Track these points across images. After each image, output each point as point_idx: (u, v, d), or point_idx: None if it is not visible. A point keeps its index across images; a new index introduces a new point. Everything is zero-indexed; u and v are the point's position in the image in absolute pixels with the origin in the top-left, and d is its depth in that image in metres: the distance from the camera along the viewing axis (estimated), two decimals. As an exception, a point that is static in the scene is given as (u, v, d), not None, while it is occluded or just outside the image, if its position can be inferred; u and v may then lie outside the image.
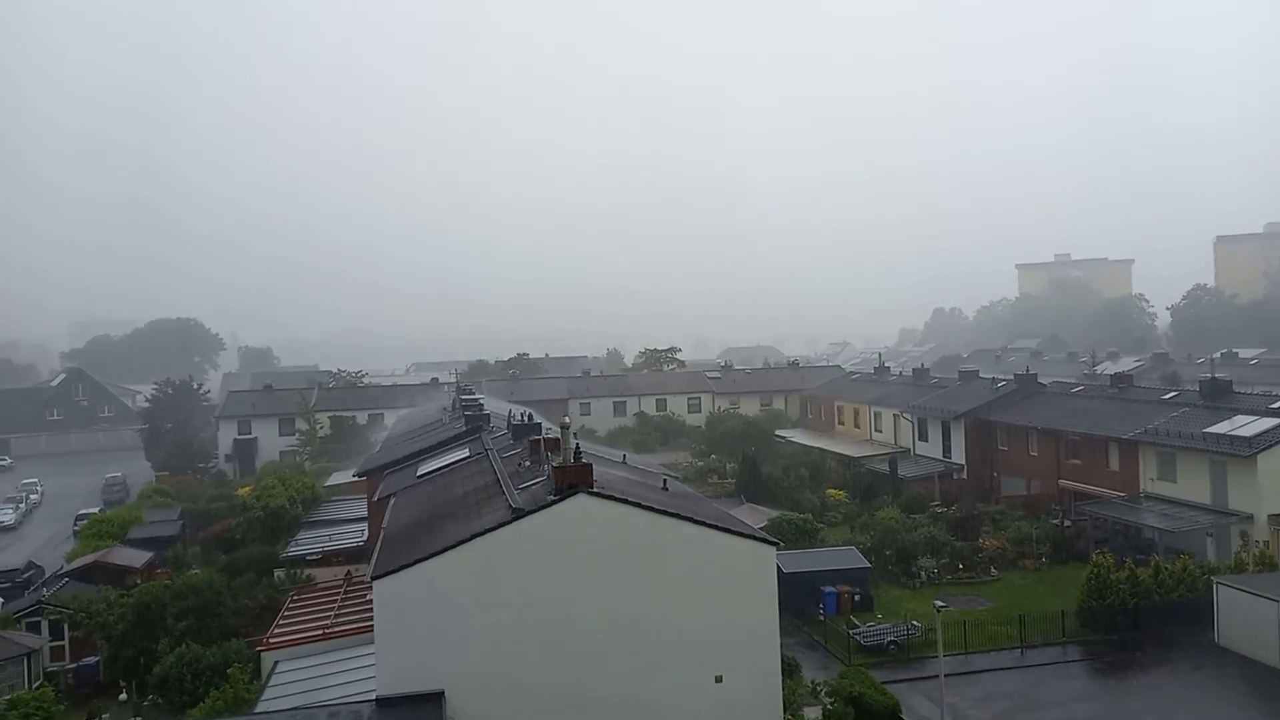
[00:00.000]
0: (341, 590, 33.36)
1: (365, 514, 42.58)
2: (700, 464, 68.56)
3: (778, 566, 23.04)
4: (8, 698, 27.30)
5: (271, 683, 24.78)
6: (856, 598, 37.04)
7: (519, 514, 21.35)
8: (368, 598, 25.37)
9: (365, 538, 40.66)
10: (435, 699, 19.85)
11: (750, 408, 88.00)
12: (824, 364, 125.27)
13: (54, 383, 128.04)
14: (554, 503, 21.32)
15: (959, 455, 57.34)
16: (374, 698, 20.20)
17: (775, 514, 45.63)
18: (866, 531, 44.54)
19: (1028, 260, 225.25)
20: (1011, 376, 62.98)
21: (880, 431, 68.62)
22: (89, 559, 41.92)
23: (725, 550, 22.02)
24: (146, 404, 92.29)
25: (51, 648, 33.54)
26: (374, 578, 20.92)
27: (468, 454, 34.54)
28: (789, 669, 26.47)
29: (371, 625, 21.41)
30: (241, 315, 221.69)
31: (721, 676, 21.60)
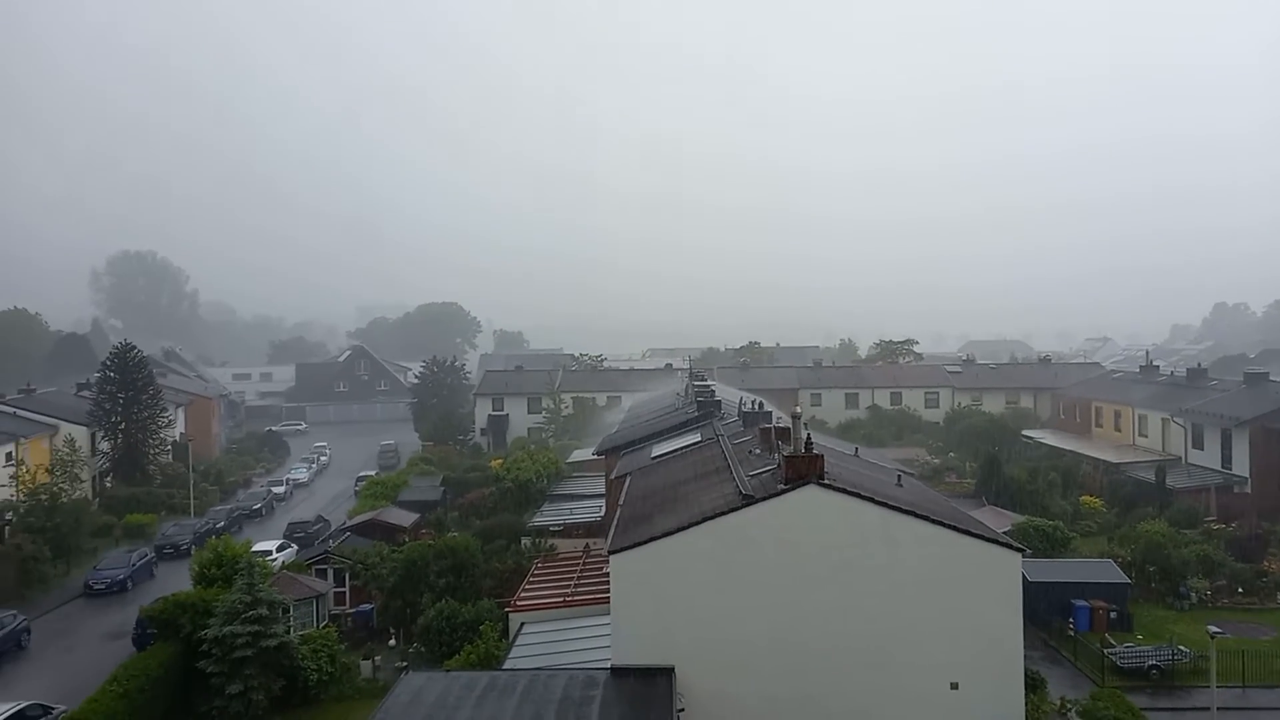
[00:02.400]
0: (581, 561, 35.27)
1: (603, 490, 44.74)
2: (937, 462, 65.69)
3: (1023, 575, 21.81)
4: (301, 633, 31.48)
5: (518, 642, 26.76)
6: (1112, 615, 34.14)
7: (749, 500, 21.66)
8: (604, 570, 26.70)
9: (602, 513, 42.72)
10: (666, 674, 20.59)
11: (994, 405, 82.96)
12: (1080, 360, 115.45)
13: (341, 359, 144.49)
14: (784, 492, 21.42)
15: (1241, 467, 50.91)
16: (609, 666, 21.30)
17: (1020, 519, 42.92)
18: (1126, 544, 40.82)
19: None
20: (1314, 380, 55.06)
21: (1145, 436, 62.33)
22: (366, 516, 47.17)
23: (964, 553, 21.14)
24: (415, 380, 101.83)
25: (335, 593, 38.10)
26: (611, 552, 22.02)
27: (699, 439, 35.34)
28: (1032, 683, 24.97)
29: (608, 597, 22.59)
30: (496, 300, 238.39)
31: (957, 684, 20.80)
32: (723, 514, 21.55)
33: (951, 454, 68.12)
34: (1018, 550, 21.64)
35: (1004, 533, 28.44)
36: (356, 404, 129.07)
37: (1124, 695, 26.33)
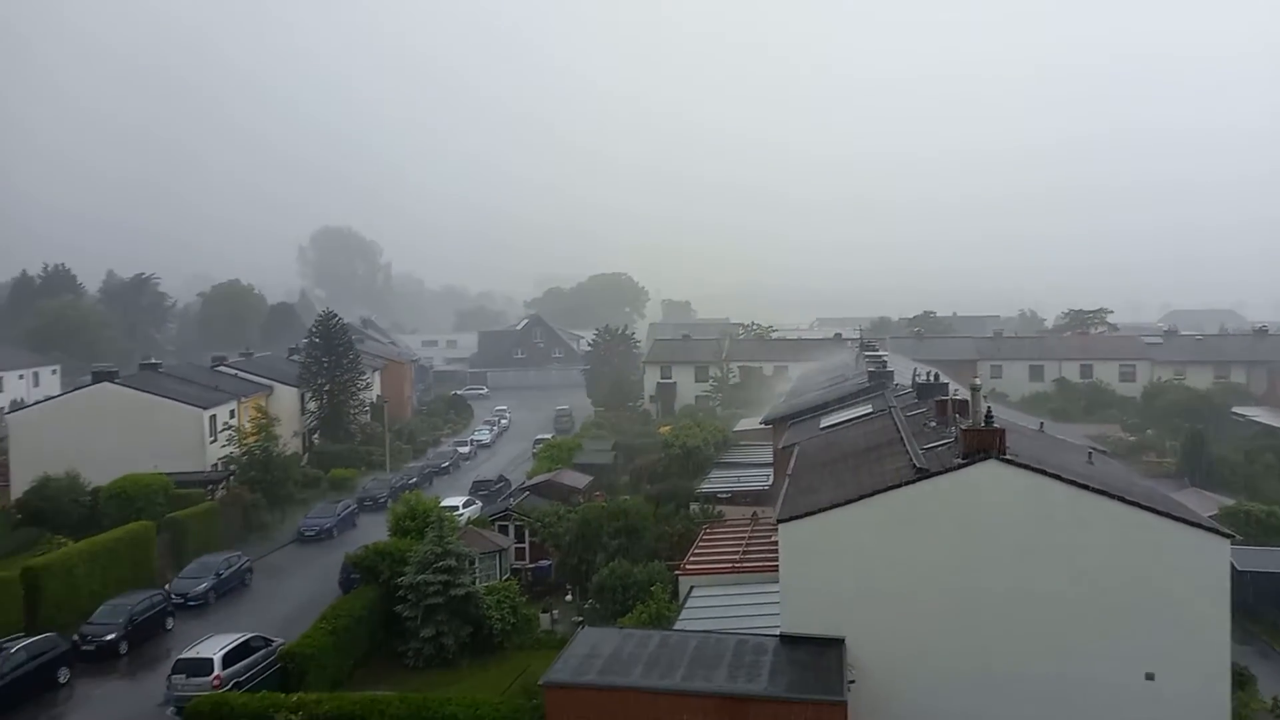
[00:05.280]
0: (749, 529, 35.53)
1: (770, 460, 44.73)
2: (1133, 439, 61.28)
3: (1231, 563, 20.21)
4: (486, 585, 33.54)
5: (688, 604, 27.43)
6: (1337, 611, 31.02)
7: (923, 474, 21.15)
8: (773, 539, 26.82)
9: (769, 482, 42.75)
10: (836, 645, 20.57)
11: (1200, 379, 76.23)
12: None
13: (519, 327, 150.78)
14: (962, 466, 20.77)
15: None
16: (778, 633, 21.51)
17: (1229, 502, 39.54)
18: (1358, 535, 36.81)
19: None
20: None
21: (1386, 416, 55.61)
22: (544, 477, 49.37)
23: (1163, 537, 19.81)
24: (588, 348, 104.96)
25: (515, 549, 40.22)
26: (780, 521, 22.10)
27: (870, 410, 34.64)
28: (1240, 679, 23.17)
29: (776, 565, 22.75)
30: (663, 270, 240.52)
31: (1153, 675, 19.65)
32: (895, 487, 21.18)
33: (1150, 431, 63.39)
34: (1226, 536, 20.05)
35: (1210, 517, 26.36)
36: (533, 370, 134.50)
37: (1351, 699, 23.94)
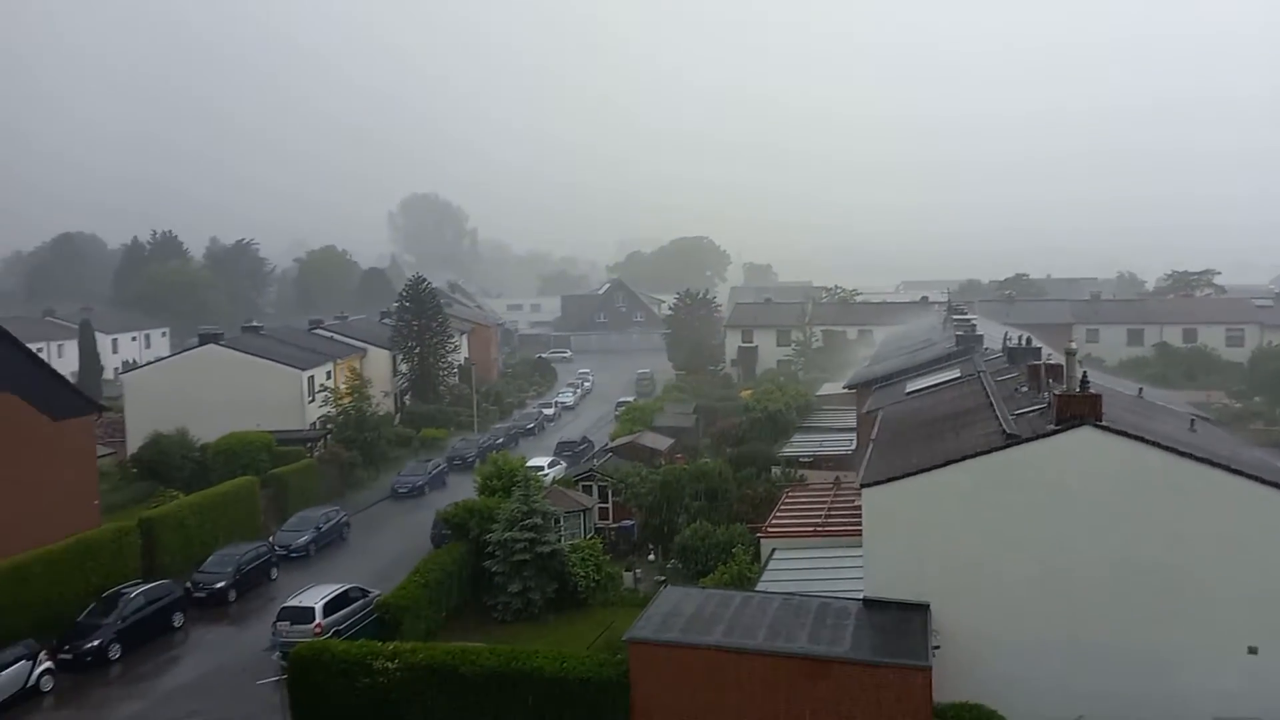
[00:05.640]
0: (832, 493, 35.37)
1: (853, 424, 44.38)
2: (1239, 406, 58.50)
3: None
4: (571, 542, 34.31)
5: (769, 567, 27.59)
6: None
7: (1013, 440, 20.73)
8: (855, 503, 26.69)
9: (853, 446, 42.43)
10: (921, 610, 20.44)
11: (1317, 344, 72.03)
12: None
13: (601, 291, 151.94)
14: (1054, 433, 20.27)
15: None
16: (861, 597, 21.50)
17: (1344, 474, 37.52)
18: None
19: None
20: None
21: None
22: (626, 439, 50.01)
23: (1269, 507, 19.06)
24: (669, 312, 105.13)
25: (599, 508, 40.88)
26: (863, 485, 21.98)
27: (958, 374, 33.97)
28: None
29: (859, 529, 22.67)
30: (744, 234, 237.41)
31: (1256, 649, 19.03)
32: (982, 453, 20.81)
33: (1258, 398, 60.35)
34: (1338, 508, 19.17)
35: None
36: (615, 333, 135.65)
37: None
